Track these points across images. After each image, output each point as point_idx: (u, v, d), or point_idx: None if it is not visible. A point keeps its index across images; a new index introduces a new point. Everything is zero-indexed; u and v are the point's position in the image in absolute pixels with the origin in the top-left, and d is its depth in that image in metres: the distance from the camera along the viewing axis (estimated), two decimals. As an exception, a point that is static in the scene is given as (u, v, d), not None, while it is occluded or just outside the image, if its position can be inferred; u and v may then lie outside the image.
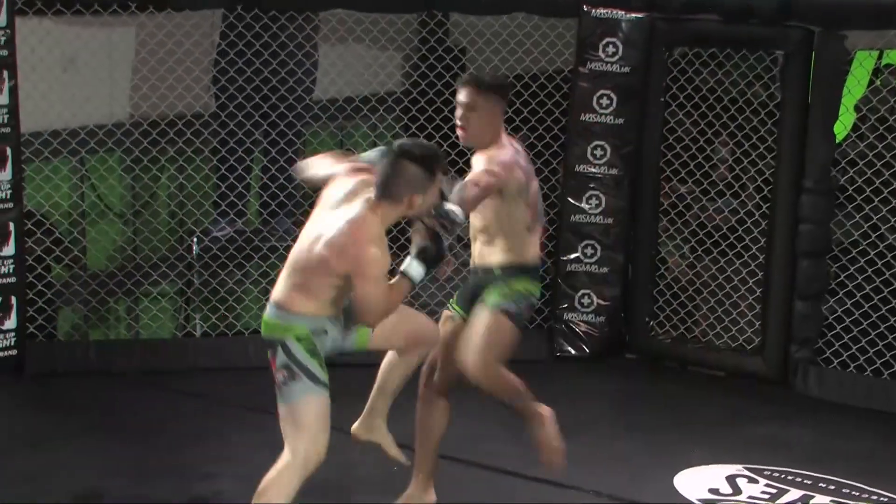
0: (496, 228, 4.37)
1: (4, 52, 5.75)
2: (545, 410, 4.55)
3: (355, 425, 4.44)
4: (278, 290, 4.06)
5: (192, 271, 6.52)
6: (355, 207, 3.89)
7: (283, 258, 6.46)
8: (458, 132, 4.38)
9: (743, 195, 6.62)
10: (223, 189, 6.54)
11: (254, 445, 5.23)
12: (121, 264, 6.52)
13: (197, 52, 6.39)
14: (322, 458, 4.00)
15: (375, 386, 4.39)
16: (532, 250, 4.44)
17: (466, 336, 4.39)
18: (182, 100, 6.37)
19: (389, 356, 4.36)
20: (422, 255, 3.96)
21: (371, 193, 3.91)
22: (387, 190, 3.87)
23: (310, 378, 3.95)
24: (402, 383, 4.38)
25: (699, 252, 6.67)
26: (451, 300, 4.61)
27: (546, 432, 4.52)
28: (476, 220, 4.41)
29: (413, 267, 3.95)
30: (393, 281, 3.95)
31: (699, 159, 6.58)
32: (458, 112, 4.34)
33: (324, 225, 3.94)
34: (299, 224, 6.48)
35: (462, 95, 4.33)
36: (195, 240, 6.52)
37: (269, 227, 6.62)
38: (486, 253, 4.43)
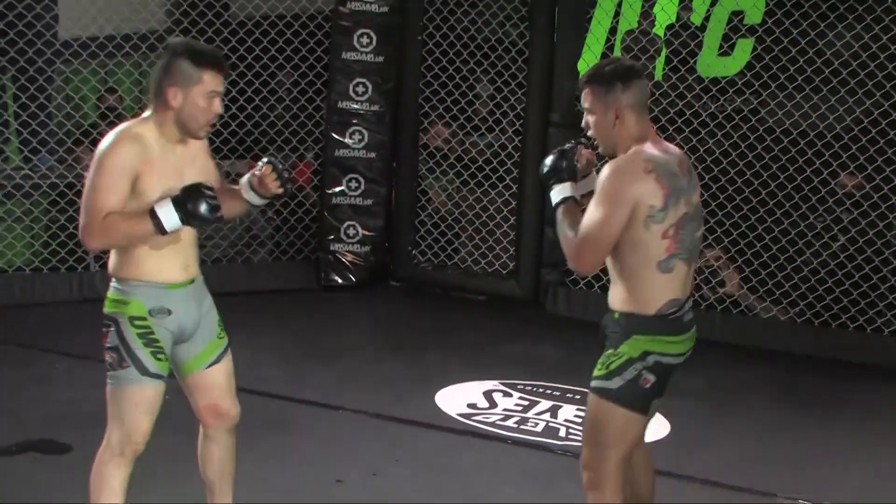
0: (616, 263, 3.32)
1: None
2: None
3: None
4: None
5: None
6: None
7: (46, 196, 6.34)
8: None
9: (497, 129, 6.76)
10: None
11: (23, 382, 5.17)
12: None
13: None
14: (139, 449, 3.42)
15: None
16: (661, 295, 3.27)
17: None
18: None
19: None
20: (178, 202, 3.20)
21: None
22: (153, 90, 3.28)
23: (139, 369, 3.35)
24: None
25: (457, 184, 6.80)
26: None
27: None
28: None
29: (164, 207, 3.19)
30: (135, 209, 3.22)
31: (455, 95, 6.68)
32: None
33: None
34: (62, 161, 6.36)
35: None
36: None
37: (31, 164, 6.37)
38: (610, 293, 3.37)
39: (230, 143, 6.60)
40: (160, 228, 3.19)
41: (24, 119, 6.30)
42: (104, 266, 6.21)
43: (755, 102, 6.17)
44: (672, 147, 3.37)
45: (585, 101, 3.32)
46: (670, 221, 3.21)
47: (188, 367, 3.49)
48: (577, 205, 3.39)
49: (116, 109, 6.69)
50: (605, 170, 3.22)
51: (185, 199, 3.19)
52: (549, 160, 3.48)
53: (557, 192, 3.41)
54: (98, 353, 5.43)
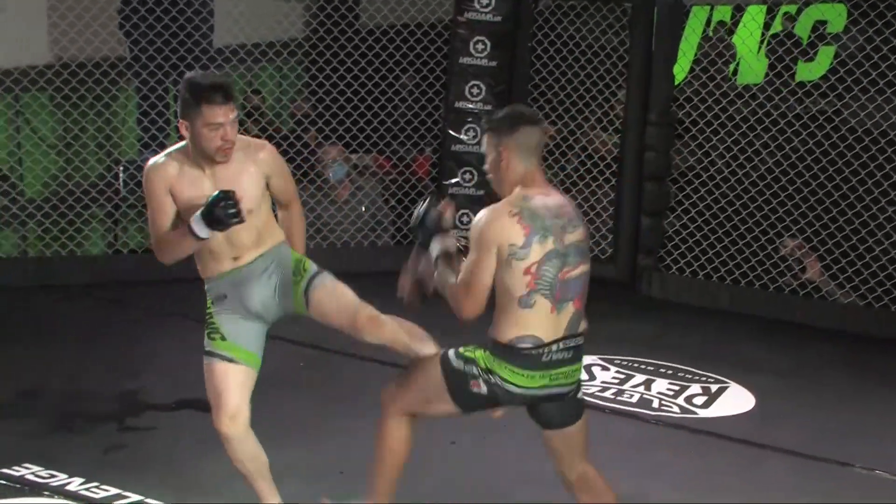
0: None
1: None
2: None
3: None
4: None
5: (119, 196, 6.44)
6: None
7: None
8: None
9: (598, 127, 6.73)
10: (145, 123, 6.45)
11: (174, 348, 5.30)
12: (55, 190, 6.41)
13: (103, 1, 6.26)
14: (221, 424, 3.54)
15: None
16: (517, 329, 3.20)
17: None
18: (105, 43, 6.25)
19: None
20: (203, 212, 3.28)
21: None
22: None
23: (205, 349, 3.58)
24: None
25: (561, 177, 6.79)
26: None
27: None
28: None
29: (195, 220, 3.30)
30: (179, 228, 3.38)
31: (561, 97, 6.68)
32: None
33: None
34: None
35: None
36: (121, 168, 6.42)
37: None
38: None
39: (359, 138, 6.71)
40: (196, 237, 3.34)
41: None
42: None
43: (838, 104, 6.06)
44: (555, 193, 3.29)
45: (483, 142, 3.33)
46: (533, 259, 3.15)
47: (298, 311, 3.59)
48: (457, 254, 3.37)
49: (260, 108, 6.83)
50: (477, 217, 3.25)
51: (208, 209, 3.30)
52: (417, 220, 3.46)
53: (434, 247, 3.39)
54: None
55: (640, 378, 5.23)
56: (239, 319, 3.56)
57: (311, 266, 3.61)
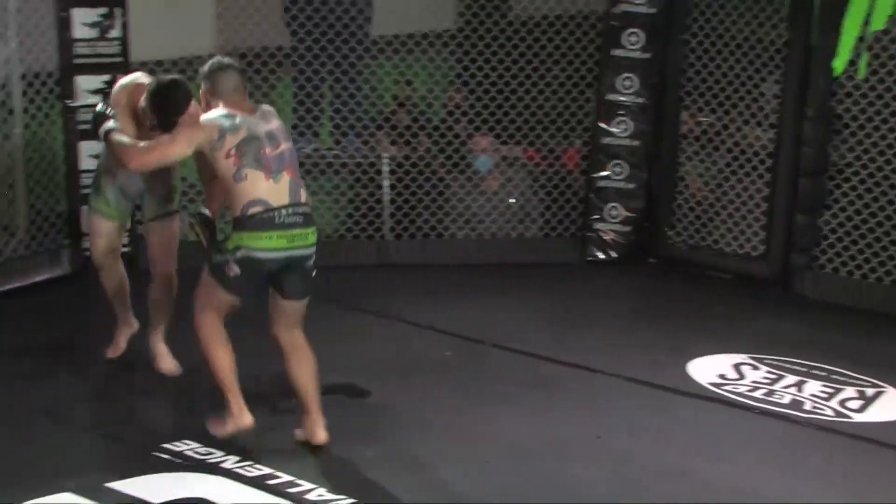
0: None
1: (117, -8, 5.84)
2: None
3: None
4: None
5: None
6: None
7: (351, 172, 6.65)
8: None
9: (752, 122, 6.59)
10: (301, 112, 6.59)
11: (327, 333, 5.19)
12: None
13: None
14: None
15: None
16: (241, 198, 4.05)
17: None
18: (266, 34, 6.40)
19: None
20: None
21: None
22: None
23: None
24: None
25: (713, 171, 6.69)
26: None
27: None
28: None
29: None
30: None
31: (715, 90, 6.56)
32: None
33: None
34: (365, 143, 6.65)
35: None
36: None
37: (340, 146, 6.66)
38: None
39: (509, 129, 6.73)
40: None
41: (337, 107, 6.61)
42: (399, 236, 6.56)
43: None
44: (248, 105, 4.19)
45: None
46: (228, 146, 4.02)
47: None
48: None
49: (411, 99, 6.92)
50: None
51: None
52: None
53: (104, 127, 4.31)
54: (390, 310, 5.73)
55: (791, 379, 5.12)
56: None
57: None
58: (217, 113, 4.12)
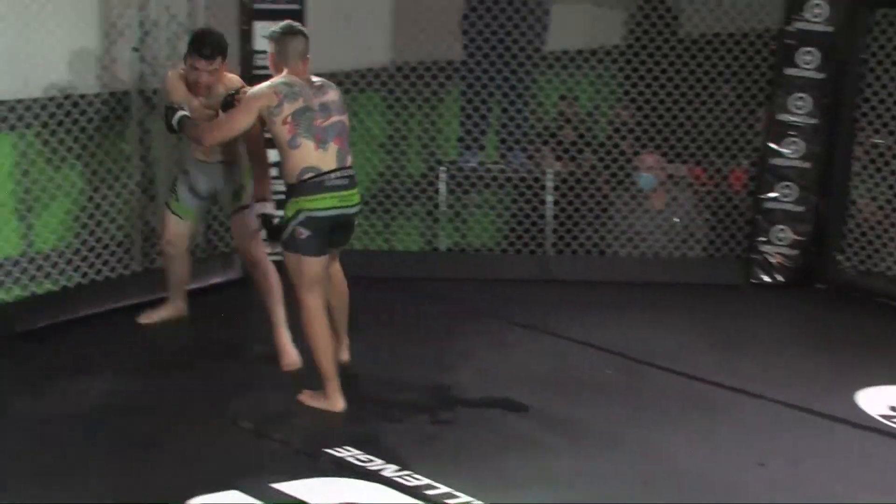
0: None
1: (296, 6, 5.96)
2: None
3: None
4: None
5: (440, 195, 6.63)
6: None
7: (515, 187, 6.68)
8: None
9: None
10: (468, 126, 6.63)
11: (487, 346, 5.45)
12: (381, 186, 6.67)
13: (451, 8, 6.46)
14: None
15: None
16: (297, 166, 4.47)
17: None
18: (437, 48, 6.46)
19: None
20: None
21: None
22: None
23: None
24: None
25: (888, 195, 6.46)
26: None
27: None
28: None
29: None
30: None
31: (894, 111, 6.35)
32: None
33: None
34: (530, 158, 6.66)
35: None
36: (443, 168, 6.63)
37: (506, 160, 6.68)
38: None
39: (675, 147, 6.65)
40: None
41: (504, 121, 6.64)
42: (561, 252, 6.53)
43: None
44: (309, 75, 4.56)
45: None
46: (286, 113, 4.40)
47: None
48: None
49: (578, 115, 6.89)
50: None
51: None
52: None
53: (175, 116, 4.80)
54: (550, 325, 5.72)
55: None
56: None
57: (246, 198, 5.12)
58: (278, 80, 4.49)
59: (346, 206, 4.53)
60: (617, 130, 6.71)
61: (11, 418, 4.47)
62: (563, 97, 6.90)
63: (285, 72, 4.53)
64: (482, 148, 6.68)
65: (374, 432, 4.46)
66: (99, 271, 5.67)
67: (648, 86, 6.58)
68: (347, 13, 6.34)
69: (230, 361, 5.12)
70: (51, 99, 5.36)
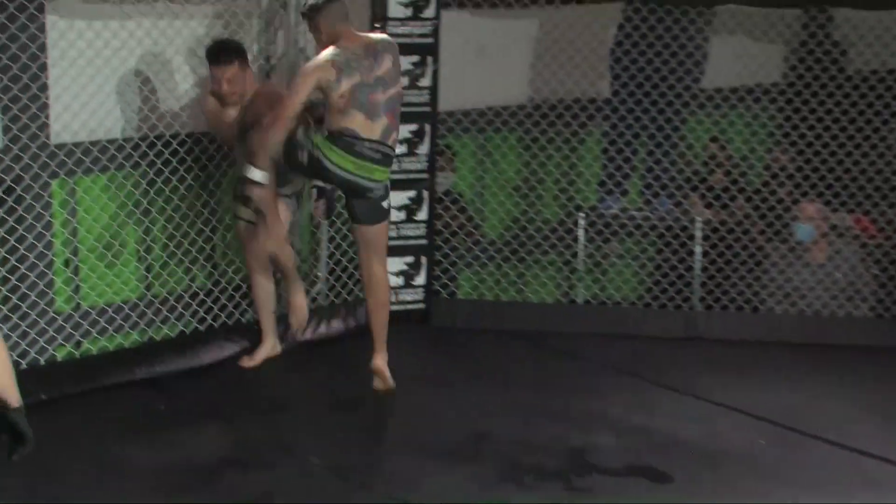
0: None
1: (430, 40, 5.80)
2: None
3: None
4: None
5: (578, 244, 6.40)
6: None
7: (661, 236, 6.36)
8: None
9: None
10: (610, 169, 6.39)
11: (628, 406, 5.19)
12: (515, 233, 6.52)
13: (594, 42, 6.27)
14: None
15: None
16: (338, 123, 4.59)
17: None
18: (578, 85, 6.29)
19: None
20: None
21: None
22: None
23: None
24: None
25: None
26: None
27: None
28: None
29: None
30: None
31: None
32: None
33: None
34: (677, 205, 6.32)
35: None
36: (582, 214, 6.41)
37: (651, 206, 6.42)
38: None
39: (840, 195, 6.23)
40: None
41: (650, 165, 6.39)
42: (709, 307, 6.19)
43: None
44: (361, 38, 4.64)
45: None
46: (343, 89, 4.50)
47: None
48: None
49: (732, 159, 6.58)
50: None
51: None
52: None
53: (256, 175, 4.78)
54: (696, 388, 5.36)
55: None
56: None
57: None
58: (331, 53, 4.54)
59: (360, 177, 4.62)
60: (774, 176, 6.41)
61: (130, 466, 4.43)
62: (714, 139, 6.65)
63: (338, 42, 4.56)
64: (625, 193, 6.44)
65: (500, 495, 4.25)
66: (217, 317, 5.61)
67: (811, 127, 6.25)
68: (482, 46, 6.24)
69: (351, 414, 5.01)
70: (174, 136, 5.38)
